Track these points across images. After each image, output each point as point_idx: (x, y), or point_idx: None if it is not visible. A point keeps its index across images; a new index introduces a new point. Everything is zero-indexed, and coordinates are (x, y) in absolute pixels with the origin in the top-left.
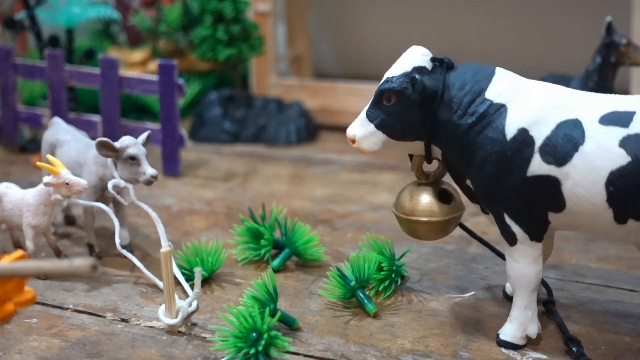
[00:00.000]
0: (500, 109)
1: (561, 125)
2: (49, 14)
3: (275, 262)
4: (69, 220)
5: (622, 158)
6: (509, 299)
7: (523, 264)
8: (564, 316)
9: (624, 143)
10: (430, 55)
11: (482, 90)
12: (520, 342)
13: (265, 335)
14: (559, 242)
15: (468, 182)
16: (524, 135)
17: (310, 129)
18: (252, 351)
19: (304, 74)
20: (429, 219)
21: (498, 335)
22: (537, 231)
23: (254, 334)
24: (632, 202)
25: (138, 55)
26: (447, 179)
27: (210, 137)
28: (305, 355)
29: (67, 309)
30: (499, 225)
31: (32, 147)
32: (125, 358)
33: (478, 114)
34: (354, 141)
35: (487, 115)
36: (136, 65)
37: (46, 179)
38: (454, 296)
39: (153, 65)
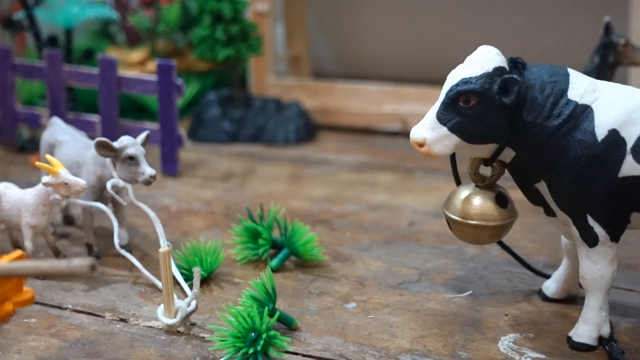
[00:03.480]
0: (586, 110)
1: None
2: (48, 13)
3: (274, 262)
4: (68, 220)
5: None
6: (547, 300)
7: (602, 265)
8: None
9: None
10: (502, 56)
11: (564, 92)
12: (595, 343)
13: (264, 335)
14: (556, 242)
15: (538, 185)
16: (614, 137)
17: (309, 129)
18: (251, 351)
19: (302, 74)
20: (485, 222)
21: (570, 338)
22: (619, 232)
23: (253, 334)
24: None
25: (137, 55)
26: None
27: (208, 137)
28: (304, 355)
29: (65, 308)
30: (579, 227)
31: (31, 147)
32: (124, 358)
33: (565, 116)
34: (421, 145)
35: (574, 117)
36: (135, 65)
37: (45, 178)
38: (452, 296)
39: (152, 65)
